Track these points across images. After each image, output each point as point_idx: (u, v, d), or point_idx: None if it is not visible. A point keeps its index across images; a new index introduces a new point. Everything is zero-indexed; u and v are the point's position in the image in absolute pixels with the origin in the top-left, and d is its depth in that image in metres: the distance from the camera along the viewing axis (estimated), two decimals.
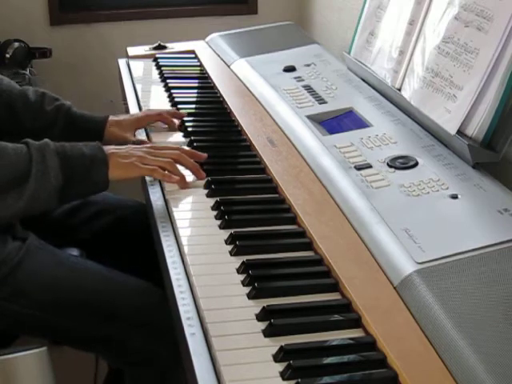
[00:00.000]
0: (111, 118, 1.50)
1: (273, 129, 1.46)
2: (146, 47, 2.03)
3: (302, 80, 1.64)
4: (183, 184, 1.25)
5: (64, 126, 1.48)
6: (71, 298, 1.23)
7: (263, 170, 1.33)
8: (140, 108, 1.65)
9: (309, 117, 1.45)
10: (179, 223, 1.14)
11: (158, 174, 1.25)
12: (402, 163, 1.21)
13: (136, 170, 1.23)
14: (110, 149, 1.25)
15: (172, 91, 1.72)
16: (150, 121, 1.54)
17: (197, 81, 1.82)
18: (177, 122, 1.54)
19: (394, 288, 0.95)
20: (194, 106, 1.65)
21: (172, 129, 1.53)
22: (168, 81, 1.78)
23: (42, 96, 1.49)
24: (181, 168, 1.27)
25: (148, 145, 1.34)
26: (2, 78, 1.50)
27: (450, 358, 0.83)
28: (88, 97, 2.41)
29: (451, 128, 1.20)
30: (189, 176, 1.28)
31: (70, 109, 1.49)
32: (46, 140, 1.22)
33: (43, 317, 1.22)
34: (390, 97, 1.46)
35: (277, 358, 0.85)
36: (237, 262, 1.04)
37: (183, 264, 1.05)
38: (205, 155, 1.33)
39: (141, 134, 1.52)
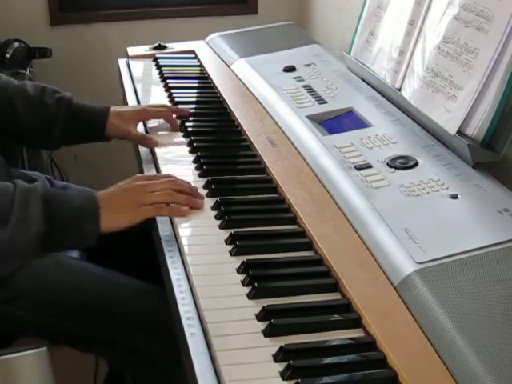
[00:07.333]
0: (113, 108, 1.48)
1: (273, 129, 1.46)
2: (146, 47, 2.03)
3: (302, 80, 1.64)
4: (195, 205, 1.18)
5: (66, 119, 1.46)
6: (71, 299, 1.23)
7: (263, 170, 1.33)
8: None
9: (309, 117, 1.45)
10: (179, 223, 1.14)
11: (165, 211, 1.16)
12: (402, 163, 1.21)
13: (135, 215, 1.14)
14: (103, 195, 1.15)
15: (172, 91, 1.72)
16: (153, 116, 1.53)
17: (197, 81, 1.82)
18: (178, 121, 1.54)
19: (394, 288, 0.95)
20: (194, 106, 1.65)
21: (173, 129, 1.52)
22: (168, 81, 1.78)
23: (41, 90, 1.47)
24: None
25: (137, 177, 1.21)
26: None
27: (450, 357, 0.83)
28: (88, 97, 2.41)
29: (451, 128, 1.20)
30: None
31: (70, 101, 1.47)
32: (37, 184, 1.13)
33: (43, 319, 1.22)
34: (390, 97, 1.46)
35: (277, 357, 0.85)
36: (237, 261, 1.04)
37: (183, 264, 1.05)
38: (203, 197, 1.22)
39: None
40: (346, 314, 0.93)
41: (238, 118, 1.54)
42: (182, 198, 1.18)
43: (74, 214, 1.11)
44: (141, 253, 1.44)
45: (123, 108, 1.52)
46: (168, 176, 1.22)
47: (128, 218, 1.15)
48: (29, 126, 1.46)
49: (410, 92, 1.36)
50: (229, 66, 1.85)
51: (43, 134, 1.47)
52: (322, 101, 1.51)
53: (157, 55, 1.97)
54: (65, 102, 1.46)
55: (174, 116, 1.55)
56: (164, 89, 1.76)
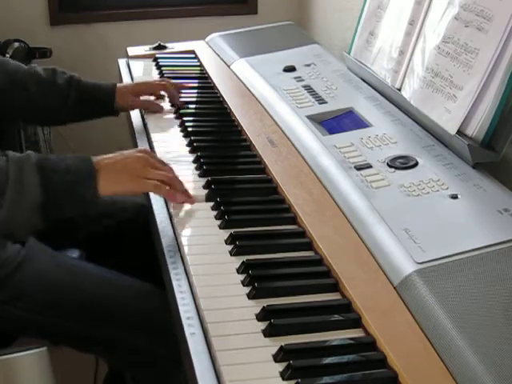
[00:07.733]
0: (119, 85, 1.59)
1: (273, 129, 1.46)
2: (146, 47, 2.03)
3: (302, 80, 1.64)
4: (188, 199, 1.19)
5: (76, 98, 1.54)
6: (71, 300, 1.23)
7: (263, 170, 1.33)
8: (140, 110, 1.65)
9: (309, 117, 1.45)
10: (179, 223, 1.14)
11: (162, 191, 1.16)
12: (402, 163, 1.21)
13: (135, 184, 1.14)
14: (101, 160, 1.14)
15: None
16: (154, 87, 1.65)
17: (197, 81, 1.82)
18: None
19: (394, 288, 0.95)
20: (193, 106, 1.66)
21: (175, 103, 1.62)
22: None
23: (52, 72, 1.55)
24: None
25: (141, 149, 1.22)
26: (8, 60, 1.57)
27: (450, 357, 0.83)
28: None
29: (451, 128, 1.20)
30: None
31: (80, 80, 1.57)
32: (29, 153, 1.12)
33: (43, 319, 1.22)
34: (390, 97, 1.46)
35: (277, 357, 0.85)
36: (237, 262, 1.04)
37: (183, 264, 1.05)
38: (190, 197, 1.22)
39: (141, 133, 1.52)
40: (346, 313, 0.93)
41: (238, 118, 1.54)
42: (181, 186, 1.19)
43: (71, 178, 1.10)
44: (141, 253, 1.45)
45: (126, 83, 1.66)
46: (170, 168, 1.22)
47: (127, 185, 1.14)
48: (42, 106, 1.53)
49: (410, 92, 1.36)
50: (229, 66, 1.85)
51: (56, 113, 1.55)
52: (321, 101, 1.51)
53: (157, 55, 1.97)
54: (75, 82, 1.56)
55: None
56: None
